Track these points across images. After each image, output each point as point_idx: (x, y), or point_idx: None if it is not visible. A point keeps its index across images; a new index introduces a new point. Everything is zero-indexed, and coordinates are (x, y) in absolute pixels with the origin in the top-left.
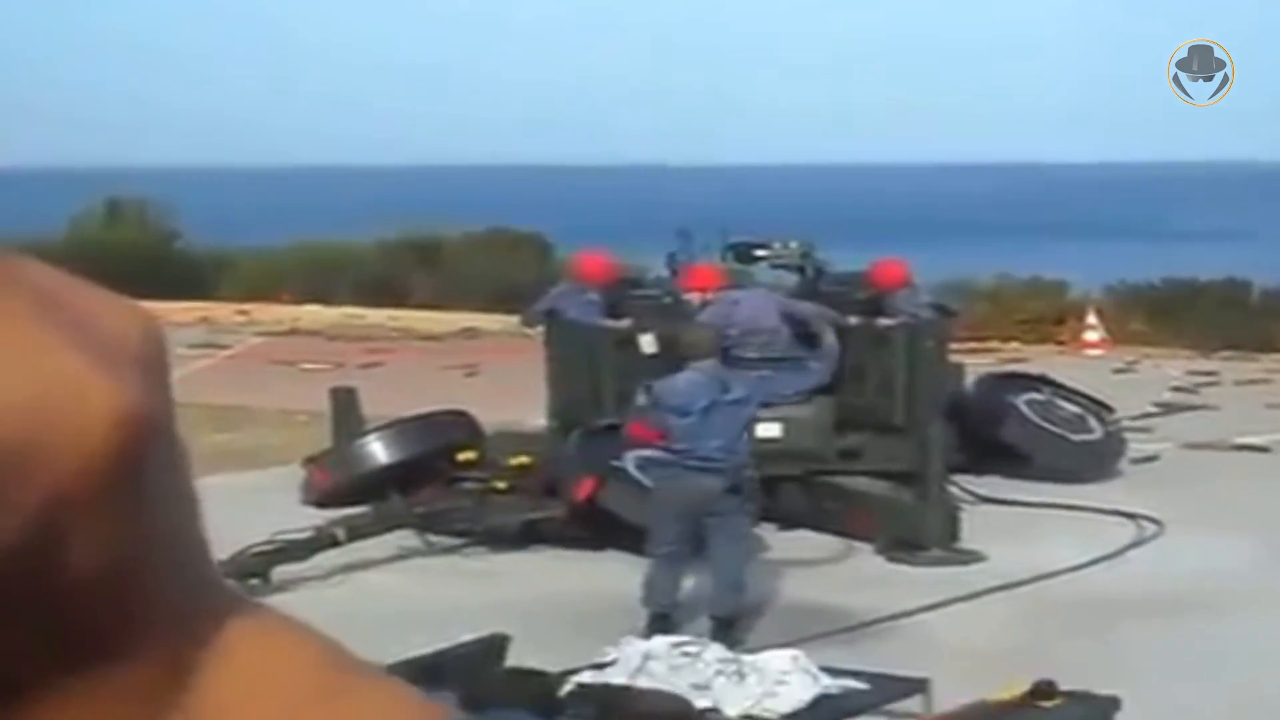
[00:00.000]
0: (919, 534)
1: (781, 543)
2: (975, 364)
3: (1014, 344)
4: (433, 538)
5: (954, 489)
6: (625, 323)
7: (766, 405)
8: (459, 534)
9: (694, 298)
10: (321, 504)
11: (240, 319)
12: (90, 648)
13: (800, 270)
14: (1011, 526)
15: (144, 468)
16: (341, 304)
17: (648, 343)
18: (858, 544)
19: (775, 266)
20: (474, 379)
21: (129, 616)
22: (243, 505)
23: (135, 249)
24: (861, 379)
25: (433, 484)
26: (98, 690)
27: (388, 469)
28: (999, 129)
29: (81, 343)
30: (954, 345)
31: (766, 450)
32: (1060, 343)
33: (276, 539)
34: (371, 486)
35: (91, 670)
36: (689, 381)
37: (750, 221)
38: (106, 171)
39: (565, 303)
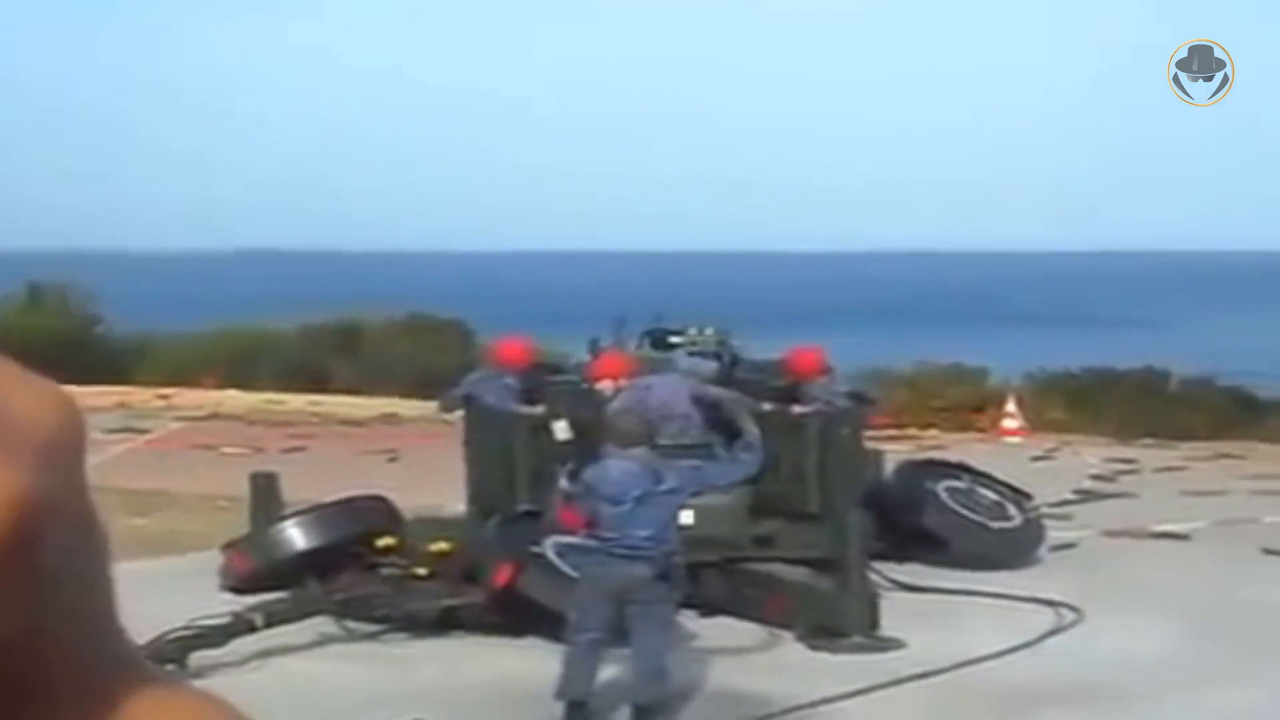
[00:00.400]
0: (839, 621)
1: (703, 629)
2: (895, 451)
3: (933, 431)
4: (351, 624)
5: (874, 576)
6: (539, 409)
7: (697, 495)
8: (378, 620)
9: (605, 385)
10: (240, 590)
11: (160, 403)
12: None
13: (716, 357)
14: (931, 613)
15: (39, 548)
16: (262, 389)
17: (561, 429)
18: (778, 631)
19: (691, 353)
20: (394, 464)
21: (27, 687)
22: (160, 590)
23: (56, 334)
24: (775, 466)
25: (352, 570)
26: None
27: (306, 554)
28: (920, 215)
29: None
30: (873, 432)
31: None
32: (980, 430)
33: (194, 624)
34: (290, 572)
35: None
36: (623, 471)
37: (674, 306)
38: (27, 255)
39: (482, 388)
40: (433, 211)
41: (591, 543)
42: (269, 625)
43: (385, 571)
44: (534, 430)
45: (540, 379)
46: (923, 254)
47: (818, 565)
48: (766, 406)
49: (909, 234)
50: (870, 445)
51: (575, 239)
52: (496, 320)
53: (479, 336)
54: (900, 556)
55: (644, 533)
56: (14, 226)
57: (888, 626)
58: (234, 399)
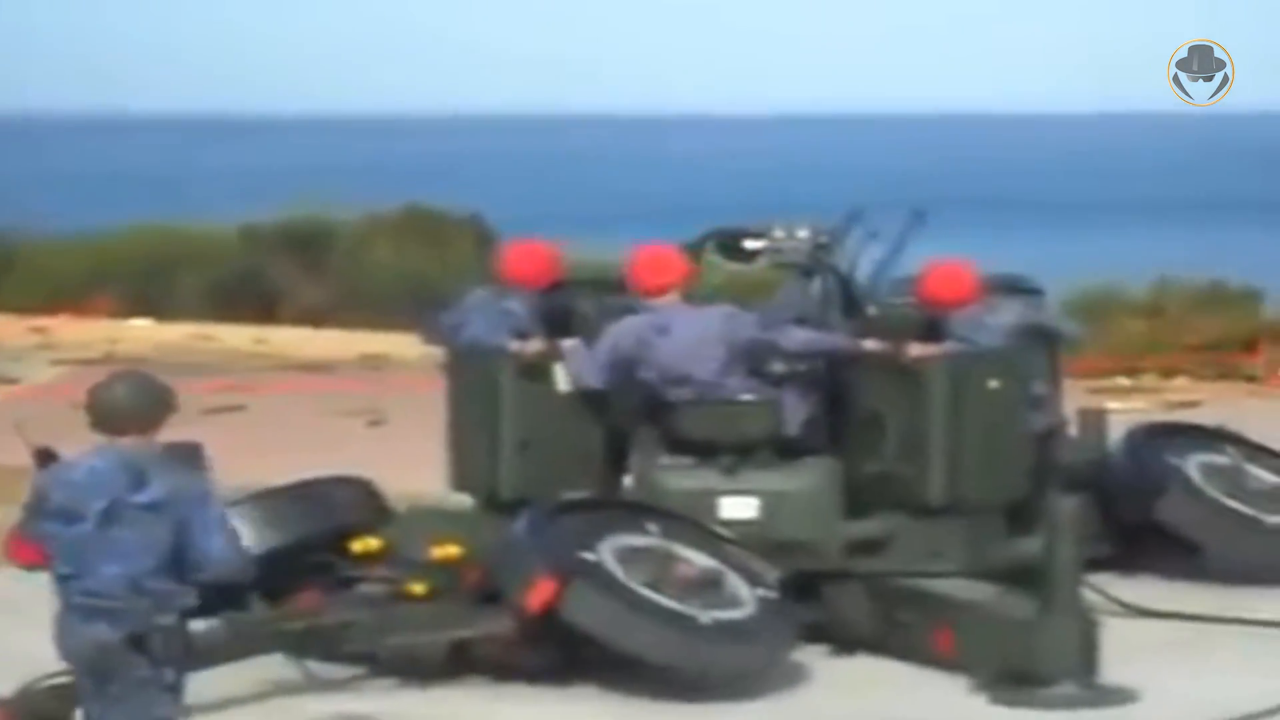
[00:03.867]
0: (1040, 662)
1: (834, 673)
2: (1124, 411)
3: (1181, 380)
4: (314, 665)
5: (1091, 595)
6: (534, 344)
7: None
8: (353, 659)
9: (663, 300)
10: None
11: (34, 339)
12: None
13: (808, 273)
14: (1177, 649)
15: None
16: (183, 318)
17: (566, 374)
18: (949, 674)
19: (776, 265)
20: (378, 429)
21: None
22: (26, 613)
23: None
24: (881, 437)
25: (315, 586)
26: None
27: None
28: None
29: None
30: (1087, 383)
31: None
32: (1251, 379)
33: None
34: (222, 589)
35: None
36: (89, 472)
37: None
38: None
39: (475, 315)
40: (432, 65)
41: (57, 586)
42: (187, 668)
43: (365, 588)
44: (527, 375)
45: (566, 301)
46: (1151, 115)
47: (1003, 580)
48: (869, 346)
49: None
50: (1084, 404)
51: (641, 104)
52: (529, 219)
53: (502, 240)
54: (1130, 566)
55: (113, 569)
56: None
57: (1112, 669)
58: (140, 332)
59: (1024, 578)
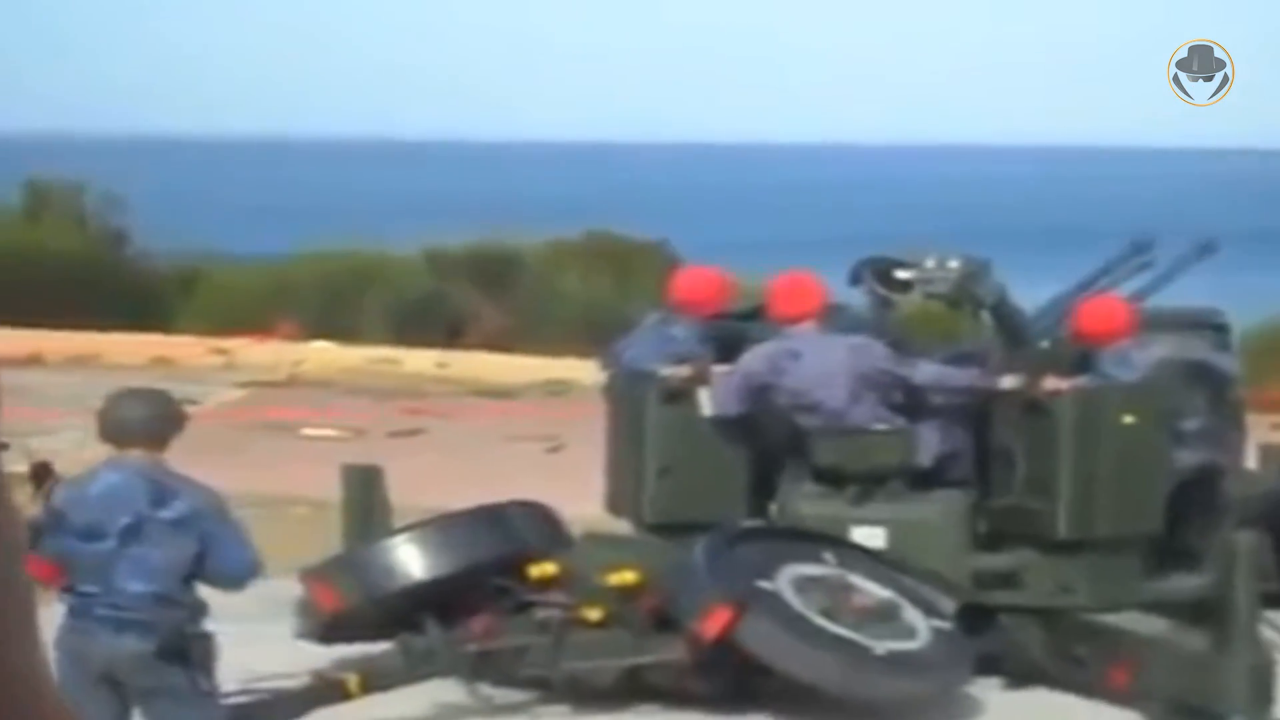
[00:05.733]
0: (1215, 697)
1: (1006, 706)
2: None
3: None
4: (489, 689)
5: (1270, 632)
6: (676, 367)
7: None
8: (529, 684)
9: (800, 328)
10: (326, 637)
11: (215, 360)
12: None
13: (954, 304)
14: None
15: None
16: (368, 342)
17: (709, 399)
18: (1125, 710)
19: (928, 295)
20: (557, 455)
21: None
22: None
23: (65, 257)
24: (1011, 469)
25: (491, 610)
26: None
27: (424, 587)
28: None
29: None
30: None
31: None
32: None
33: (258, 686)
34: (399, 612)
35: None
36: (108, 488)
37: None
38: (20, 140)
39: (639, 339)
40: (621, 89)
41: (75, 601)
42: (367, 690)
43: (541, 614)
44: (672, 400)
45: (739, 328)
46: None
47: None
48: (1009, 384)
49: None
50: (1265, 440)
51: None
52: (717, 247)
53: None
54: None
55: (138, 586)
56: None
57: None
58: (322, 355)
59: (1184, 613)
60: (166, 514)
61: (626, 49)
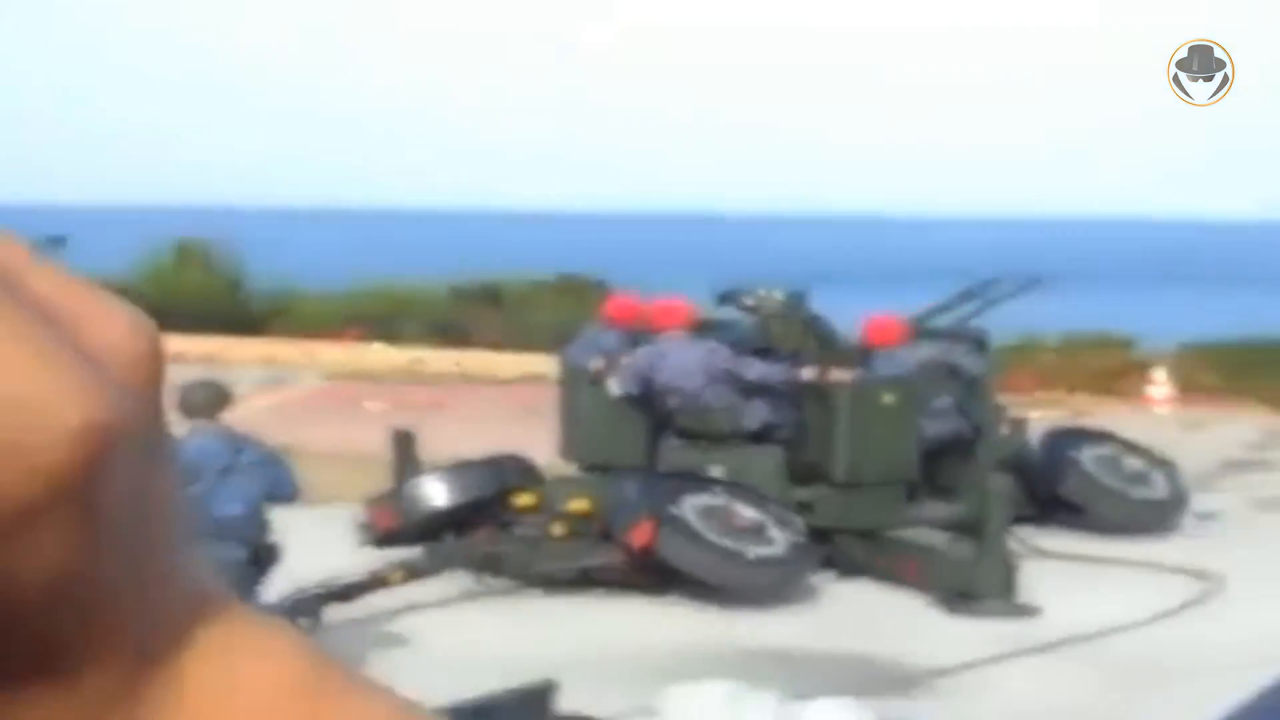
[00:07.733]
0: (977, 586)
1: (836, 591)
2: (1039, 417)
3: (1080, 396)
4: (489, 580)
5: (1014, 542)
6: (597, 362)
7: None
8: (516, 577)
9: (669, 336)
10: (380, 544)
11: (303, 357)
12: (42, 661)
13: (782, 319)
14: (1070, 581)
15: (104, 483)
16: (408, 346)
17: (614, 384)
18: (912, 594)
19: (763, 315)
20: (534, 421)
21: (84, 629)
22: (298, 542)
23: (203, 291)
24: (808, 434)
25: (489, 527)
26: (53, 703)
27: (445, 511)
28: (1074, 177)
29: (56, 352)
30: (1017, 398)
31: None
32: (1125, 397)
33: (329, 581)
34: (428, 528)
35: (46, 683)
36: (198, 449)
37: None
38: (179, 211)
39: (580, 344)
40: (580, 172)
41: None
42: (405, 581)
43: (522, 530)
44: (594, 383)
45: (642, 339)
46: (1093, 221)
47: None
48: (807, 375)
49: (1070, 199)
50: (1013, 413)
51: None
52: (648, 283)
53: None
54: (1042, 523)
55: (236, 509)
56: (168, 182)
57: (1026, 593)
58: (377, 355)
59: (955, 530)
60: (246, 458)
61: (606, 127)
